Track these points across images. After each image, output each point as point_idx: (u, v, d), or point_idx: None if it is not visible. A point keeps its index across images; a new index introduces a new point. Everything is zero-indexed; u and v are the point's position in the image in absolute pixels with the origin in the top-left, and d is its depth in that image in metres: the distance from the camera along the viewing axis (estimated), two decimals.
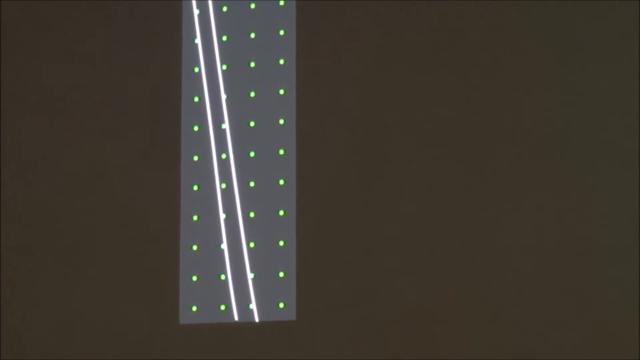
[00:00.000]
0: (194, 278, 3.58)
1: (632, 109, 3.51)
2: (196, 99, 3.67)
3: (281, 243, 3.54)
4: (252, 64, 3.64)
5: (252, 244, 3.56)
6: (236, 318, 3.54)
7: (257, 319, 3.53)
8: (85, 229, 3.72)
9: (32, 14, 3.94)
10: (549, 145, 3.57)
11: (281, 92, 3.60)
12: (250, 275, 3.54)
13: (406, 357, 3.45)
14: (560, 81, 3.60)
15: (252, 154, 3.59)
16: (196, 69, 3.68)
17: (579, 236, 3.49)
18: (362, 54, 3.64)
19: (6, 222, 3.79)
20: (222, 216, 3.59)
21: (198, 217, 3.60)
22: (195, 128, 3.65)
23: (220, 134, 3.65)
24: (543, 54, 3.62)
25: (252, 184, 3.58)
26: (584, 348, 3.41)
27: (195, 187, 3.62)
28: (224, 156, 3.62)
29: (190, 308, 3.56)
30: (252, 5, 3.69)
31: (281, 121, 3.58)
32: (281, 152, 3.57)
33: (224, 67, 3.66)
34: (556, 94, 3.59)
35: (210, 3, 3.75)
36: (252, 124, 3.61)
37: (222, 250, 3.57)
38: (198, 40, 3.71)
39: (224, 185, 3.60)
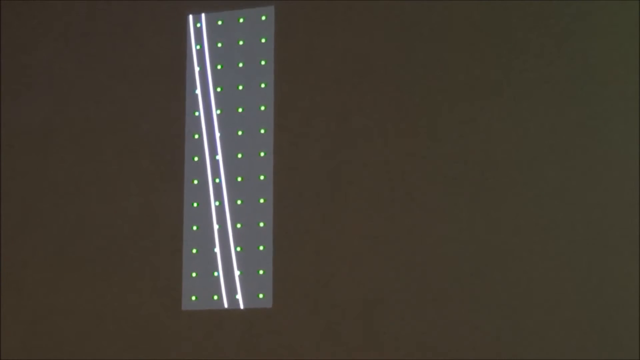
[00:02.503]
0: (194, 274, 3.79)
1: (632, 109, 3.41)
2: (196, 136, 3.86)
3: (261, 248, 3.73)
4: (240, 110, 3.83)
5: (239, 249, 3.75)
6: (226, 306, 3.74)
7: (242, 307, 3.73)
8: (110, 238, 3.89)
9: (49, 56, 4.06)
10: (525, 150, 3.50)
11: (262, 131, 3.79)
12: (237, 273, 3.74)
13: (357, 340, 3.59)
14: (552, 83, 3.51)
15: (239, 179, 3.79)
16: (196, 113, 3.87)
17: (571, 236, 3.42)
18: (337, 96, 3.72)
19: (34, 237, 3.96)
20: (216, 227, 3.79)
21: (197, 228, 3.81)
22: (195, 158, 3.85)
23: (214, 163, 3.83)
24: (524, 57, 3.55)
25: (239, 202, 3.77)
26: (584, 348, 3.35)
27: (195, 204, 3.82)
28: (217, 180, 3.82)
29: (191, 298, 3.76)
30: (240, 64, 3.86)
31: (262, 154, 3.78)
32: (262, 177, 3.77)
33: (218, 111, 3.85)
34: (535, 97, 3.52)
35: (207, 63, 3.89)
36: (239, 155, 3.81)
37: (216, 253, 3.77)
38: (198, 92, 3.88)
39: (217, 203, 3.80)
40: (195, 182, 3.85)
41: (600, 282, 3.38)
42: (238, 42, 3.86)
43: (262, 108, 3.80)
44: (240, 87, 3.83)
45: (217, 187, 3.82)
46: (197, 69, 3.88)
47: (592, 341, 3.36)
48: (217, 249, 3.79)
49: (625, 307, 3.34)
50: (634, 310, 3.32)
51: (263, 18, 3.82)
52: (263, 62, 3.82)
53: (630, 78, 3.42)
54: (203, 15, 3.91)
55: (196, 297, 3.78)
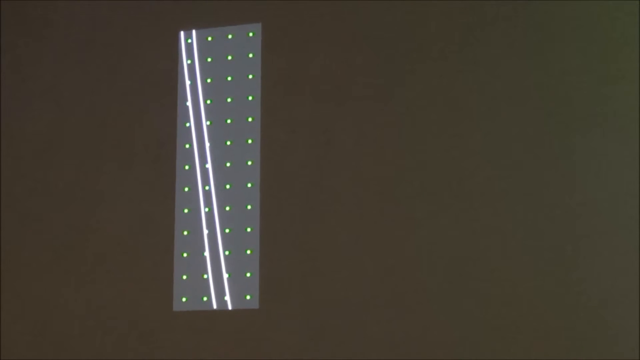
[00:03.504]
0: (184, 277, 3.81)
1: (632, 109, 3.42)
2: (187, 146, 3.90)
3: (248, 252, 3.76)
4: (229, 121, 3.87)
5: (227, 252, 3.78)
6: (215, 307, 3.75)
7: (230, 308, 3.74)
8: (105, 242, 3.90)
9: (56, 72, 4.07)
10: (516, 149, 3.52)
11: (249, 141, 3.83)
12: (225, 276, 3.75)
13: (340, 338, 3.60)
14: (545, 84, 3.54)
15: (228, 186, 3.82)
16: (187, 124, 3.91)
17: (570, 235, 3.44)
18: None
19: (42, 240, 3.97)
20: (206, 232, 3.81)
21: (188, 232, 3.83)
22: (187, 167, 3.87)
23: (204, 172, 3.86)
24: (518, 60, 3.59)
25: (227, 208, 3.80)
26: (584, 348, 3.34)
27: (186, 210, 3.85)
28: (207, 188, 3.84)
29: (181, 299, 3.79)
30: (229, 78, 3.89)
31: (249, 162, 3.81)
32: (249, 185, 3.79)
33: (208, 122, 3.89)
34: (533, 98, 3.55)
35: (198, 77, 3.92)
36: (228, 164, 3.84)
37: (205, 257, 3.80)
38: (189, 104, 3.92)
39: (207, 209, 3.83)
40: (186, 189, 3.88)
41: (601, 282, 3.39)
42: (227, 57, 3.92)
43: (250, 119, 3.86)
44: (229, 100, 3.87)
45: (207, 194, 3.84)
46: (188, 82, 3.94)
47: (592, 341, 3.35)
48: (206, 253, 3.82)
49: (625, 307, 3.35)
50: (634, 310, 3.33)
51: (250, 35, 3.89)
52: (251, 76, 3.88)
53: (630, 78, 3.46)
54: (194, 31, 3.97)
55: (186, 299, 3.80)
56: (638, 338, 3.30)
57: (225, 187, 3.84)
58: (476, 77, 3.61)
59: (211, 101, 3.91)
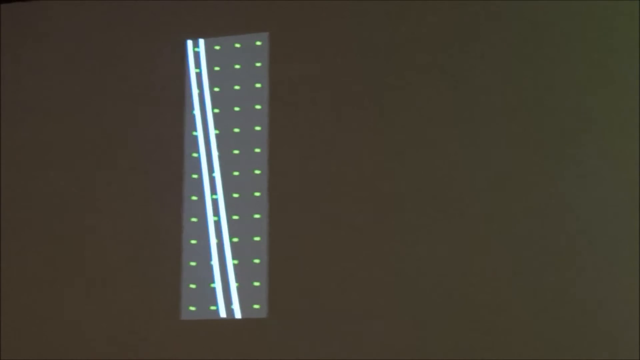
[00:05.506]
0: (192, 286, 3.83)
1: (633, 109, 3.45)
2: (194, 155, 3.92)
3: (256, 261, 3.79)
4: (236, 130, 3.90)
5: (235, 262, 3.80)
6: (223, 315, 3.78)
7: (238, 316, 3.76)
8: (113, 250, 3.91)
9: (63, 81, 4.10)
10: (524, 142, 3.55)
11: (257, 150, 3.85)
12: (234, 285, 3.78)
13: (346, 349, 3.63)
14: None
15: (235, 195, 3.85)
16: (194, 133, 3.94)
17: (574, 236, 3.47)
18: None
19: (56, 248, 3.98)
20: (214, 241, 3.83)
21: (196, 241, 3.85)
22: (194, 176, 3.90)
23: (212, 181, 3.88)
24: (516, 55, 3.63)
25: (235, 217, 3.83)
26: (584, 348, 3.37)
27: (194, 219, 3.87)
28: (214, 197, 3.87)
29: (189, 308, 3.81)
30: (237, 87, 3.92)
31: (257, 172, 3.84)
32: (257, 194, 3.82)
33: (216, 131, 3.92)
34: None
35: (205, 86, 3.94)
36: (235, 173, 3.86)
37: (213, 266, 3.82)
38: (197, 113, 3.94)
39: (215, 218, 3.85)
40: (194, 198, 3.91)
41: (601, 283, 3.43)
42: (234, 67, 3.96)
43: (257, 128, 3.89)
44: (237, 109, 3.90)
45: (215, 203, 3.87)
46: (195, 91, 3.97)
47: (592, 341, 3.39)
48: (214, 262, 3.84)
49: (625, 307, 3.38)
50: (634, 310, 3.37)
51: (258, 44, 3.92)
52: (258, 85, 3.91)
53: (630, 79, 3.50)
54: (202, 40, 4.00)
55: (194, 307, 3.83)
56: (638, 338, 3.33)
57: (232, 195, 3.87)
58: (481, 83, 3.67)
59: (219, 110, 3.94)
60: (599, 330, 3.39)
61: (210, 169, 3.89)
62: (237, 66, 3.94)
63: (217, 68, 3.95)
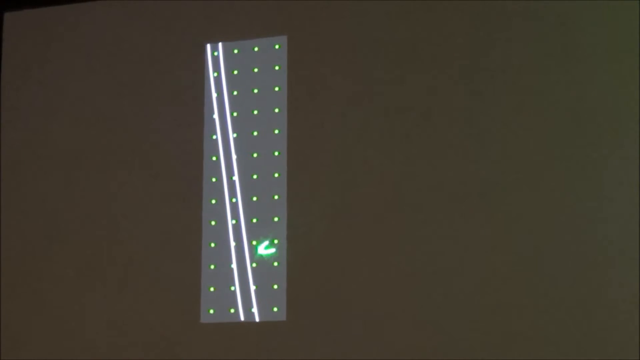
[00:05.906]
0: (212, 289, 3.84)
1: (633, 109, 3.46)
2: (214, 158, 3.93)
3: (275, 264, 3.79)
4: (255, 133, 3.91)
5: (254, 265, 3.81)
6: (242, 318, 3.79)
7: (257, 320, 3.78)
8: (133, 253, 3.94)
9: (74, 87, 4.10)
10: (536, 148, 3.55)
11: (276, 153, 3.86)
12: (252, 288, 3.79)
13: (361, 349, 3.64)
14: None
15: (254, 199, 3.86)
16: (214, 137, 3.94)
17: (574, 238, 3.48)
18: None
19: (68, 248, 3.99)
20: (233, 244, 3.84)
21: (215, 245, 3.86)
22: (214, 179, 3.90)
23: (231, 184, 3.89)
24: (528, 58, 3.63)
25: (254, 220, 3.84)
26: (584, 348, 3.37)
27: (213, 223, 3.88)
28: (234, 200, 3.88)
29: (209, 311, 3.82)
30: (255, 91, 3.93)
31: (276, 175, 3.84)
32: (276, 197, 3.84)
33: (235, 135, 3.93)
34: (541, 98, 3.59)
35: (224, 90, 3.96)
36: (254, 176, 3.88)
37: (232, 269, 3.83)
38: (216, 116, 3.95)
39: (234, 222, 3.86)
40: (213, 201, 3.92)
41: (600, 283, 3.44)
42: (253, 70, 3.96)
43: (276, 132, 3.90)
44: (255, 112, 3.91)
45: (234, 207, 3.89)
46: (214, 94, 3.97)
47: (592, 341, 3.39)
48: (233, 265, 3.85)
49: (625, 307, 3.39)
50: (634, 310, 3.37)
51: (277, 47, 3.93)
52: (277, 89, 3.91)
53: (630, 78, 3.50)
54: (220, 44, 3.99)
55: (214, 311, 3.84)
56: (638, 338, 3.33)
57: (252, 199, 3.88)
58: (490, 85, 3.69)
59: (237, 114, 3.95)
60: (599, 331, 3.38)
61: (230, 172, 3.91)
62: (256, 69, 3.95)
63: (235, 72, 3.96)
